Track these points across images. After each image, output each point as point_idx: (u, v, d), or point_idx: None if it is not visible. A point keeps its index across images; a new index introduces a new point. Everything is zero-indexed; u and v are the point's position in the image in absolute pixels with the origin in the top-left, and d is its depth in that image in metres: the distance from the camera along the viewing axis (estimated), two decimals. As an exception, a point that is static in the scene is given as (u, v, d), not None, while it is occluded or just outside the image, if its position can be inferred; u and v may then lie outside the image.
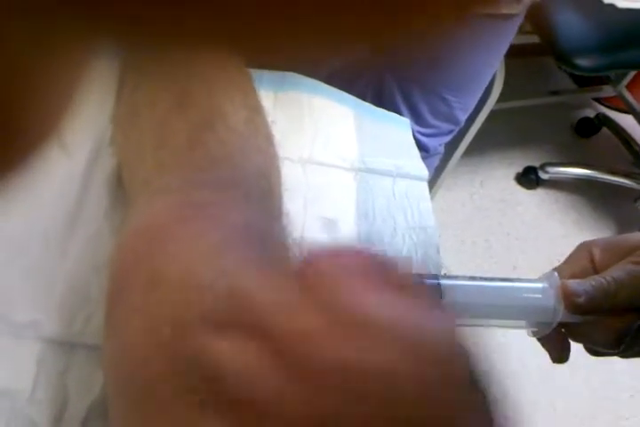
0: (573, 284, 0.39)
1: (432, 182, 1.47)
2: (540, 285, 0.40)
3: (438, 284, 0.37)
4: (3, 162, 0.15)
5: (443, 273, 0.47)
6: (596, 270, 0.42)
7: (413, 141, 0.66)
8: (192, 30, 0.11)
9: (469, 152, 1.38)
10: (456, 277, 0.38)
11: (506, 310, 0.39)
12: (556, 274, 0.40)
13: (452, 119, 0.81)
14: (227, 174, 0.38)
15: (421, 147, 0.77)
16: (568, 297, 0.39)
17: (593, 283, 0.39)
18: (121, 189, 0.46)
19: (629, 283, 0.39)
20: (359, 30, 0.11)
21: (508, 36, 0.77)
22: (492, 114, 1.29)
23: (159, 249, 0.34)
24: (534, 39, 1.38)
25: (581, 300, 0.39)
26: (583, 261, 0.43)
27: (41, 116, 0.15)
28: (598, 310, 0.40)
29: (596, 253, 0.42)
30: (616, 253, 0.41)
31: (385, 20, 0.11)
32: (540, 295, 0.39)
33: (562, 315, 0.39)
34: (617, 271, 0.40)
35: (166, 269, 0.33)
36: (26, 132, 0.15)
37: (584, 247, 0.43)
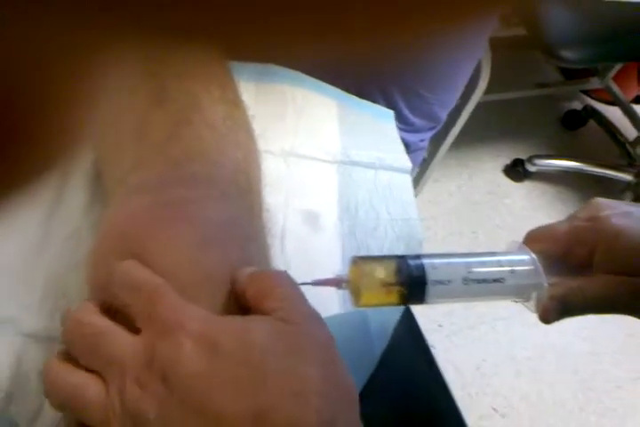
0: (551, 304, 0.40)
1: (420, 175, 1.47)
2: (528, 267, 0.40)
3: (421, 264, 0.37)
4: (18, 176, 0.14)
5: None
6: (589, 260, 0.41)
7: (397, 133, 0.65)
8: (179, 24, 0.10)
9: (457, 144, 1.38)
10: (449, 256, 0.39)
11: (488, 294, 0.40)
12: (543, 279, 0.40)
13: (430, 116, 0.81)
14: (204, 170, 0.38)
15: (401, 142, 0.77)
16: (543, 311, 0.40)
17: (569, 300, 0.39)
18: (100, 184, 0.46)
19: (604, 306, 0.39)
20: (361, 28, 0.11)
21: (483, 32, 0.77)
22: (480, 106, 1.29)
23: (137, 253, 0.33)
24: (521, 31, 1.38)
25: (553, 317, 0.40)
26: (583, 248, 0.41)
27: (65, 126, 0.14)
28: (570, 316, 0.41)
29: (600, 250, 0.40)
30: (617, 263, 0.40)
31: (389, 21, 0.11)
32: (526, 277, 0.39)
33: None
34: (600, 289, 0.39)
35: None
36: (49, 143, 0.14)
37: (593, 232, 0.41)
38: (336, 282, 0.37)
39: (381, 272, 0.37)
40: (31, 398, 0.37)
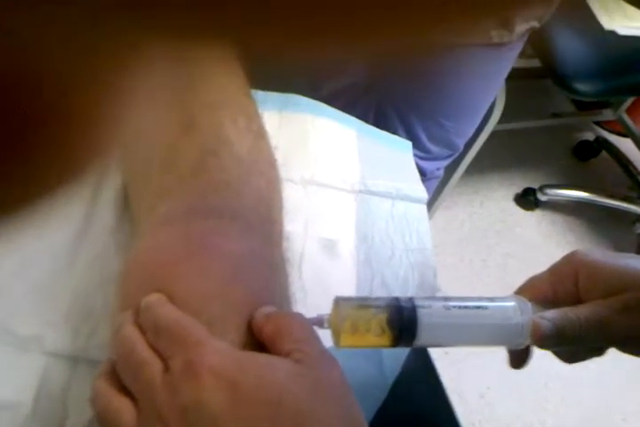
0: (544, 323, 0.39)
1: (432, 201, 1.48)
2: (511, 313, 0.40)
3: (414, 306, 0.38)
4: (51, 180, 0.14)
5: (438, 295, 0.47)
6: (577, 293, 0.42)
7: (414, 164, 0.67)
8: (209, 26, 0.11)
9: (469, 172, 1.39)
10: (431, 299, 0.39)
11: (478, 335, 0.40)
12: (529, 306, 0.40)
13: (449, 144, 0.82)
14: (229, 202, 0.39)
15: (418, 170, 0.78)
16: (537, 334, 0.39)
17: (563, 323, 0.39)
18: (127, 206, 0.47)
19: (599, 328, 0.39)
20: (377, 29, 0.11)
21: (505, 63, 0.78)
22: (493, 135, 1.30)
23: (165, 287, 0.34)
24: (536, 62, 1.40)
25: (548, 341, 0.39)
26: (567, 283, 0.42)
27: (92, 136, 0.14)
28: (564, 347, 0.42)
29: (582, 278, 0.42)
30: (600, 286, 0.41)
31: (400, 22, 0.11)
32: (513, 328, 0.39)
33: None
34: (592, 312, 0.40)
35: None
36: (75, 151, 0.14)
37: (571, 265, 0.43)
38: (318, 322, 0.37)
39: (360, 315, 0.37)
40: (54, 416, 0.37)
